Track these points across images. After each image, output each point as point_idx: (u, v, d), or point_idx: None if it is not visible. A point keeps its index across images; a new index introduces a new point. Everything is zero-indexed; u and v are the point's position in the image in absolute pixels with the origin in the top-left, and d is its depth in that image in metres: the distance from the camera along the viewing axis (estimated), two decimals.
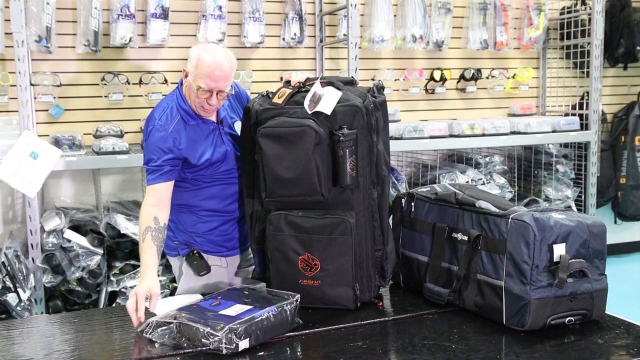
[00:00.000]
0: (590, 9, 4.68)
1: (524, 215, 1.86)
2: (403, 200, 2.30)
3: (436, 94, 4.78)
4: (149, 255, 2.12)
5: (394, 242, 2.25)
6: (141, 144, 2.35)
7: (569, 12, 4.96)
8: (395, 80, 4.62)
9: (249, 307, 1.91)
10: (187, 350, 1.77)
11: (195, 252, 2.36)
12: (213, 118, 2.34)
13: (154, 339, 1.85)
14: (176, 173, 2.27)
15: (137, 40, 3.84)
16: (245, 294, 2.05)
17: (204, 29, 3.93)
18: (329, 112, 2.05)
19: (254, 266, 2.32)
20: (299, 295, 1.96)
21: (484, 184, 4.42)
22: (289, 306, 1.91)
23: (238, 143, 2.34)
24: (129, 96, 3.94)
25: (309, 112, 2.06)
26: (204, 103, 2.21)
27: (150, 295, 2.01)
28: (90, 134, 3.76)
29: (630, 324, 1.92)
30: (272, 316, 1.85)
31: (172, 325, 1.84)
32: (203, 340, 1.77)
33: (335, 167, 2.05)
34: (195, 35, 3.99)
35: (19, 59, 3.32)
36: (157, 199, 2.21)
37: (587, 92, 4.80)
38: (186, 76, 2.25)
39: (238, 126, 2.39)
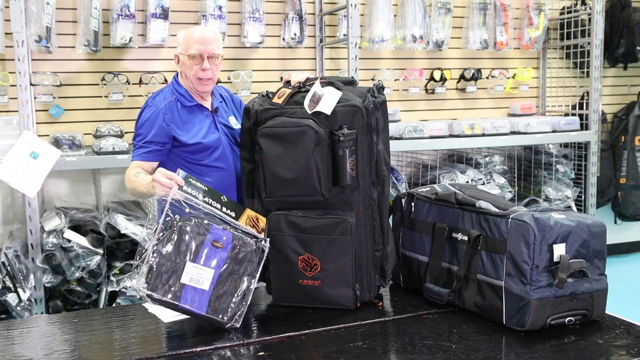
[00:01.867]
0: (590, 9, 4.68)
1: (524, 215, 1.86)
2: (403, 200, 2.30)
3: (436, 94, 4.78)
4: (146, 176, 2.21)
5: (394, 242, 2.25)
6: None
7: (569, 12, 4.97)
8: (395, 80, 4.62)
9: (212, 270, 1.89)
10: (187, 350, 1.78)
11: None
12: (207, 105, 2.44)
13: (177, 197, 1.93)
14: (161, 155, 2.38)
15: (137, 40, 3.84)
16: (227, 244, 1.95)
17: None
18: (329, 112, 2.05)
19: None
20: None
21: (484, 184, 4.42)
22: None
23: (232, 136, 2.43)
24: (129, 96, 3.94)
25: (309, 112, 2.06)
26: (199, 72, 2.36)
27: (166, 174, 2.00)
28: (90, 134, 3.77)
29: (630, 324, 1.92)
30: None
31: (173, 223, 1.88)
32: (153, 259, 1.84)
33: (335, 167, 2.05)
34: None
35: (19, 59, 3.32)
36: (141, 167, 2.35)
37: (587, 92, 4.80)
38: (178, 61, 2.44)
39: (232, 121, 2.49)
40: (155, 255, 1.86)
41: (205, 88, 2.41)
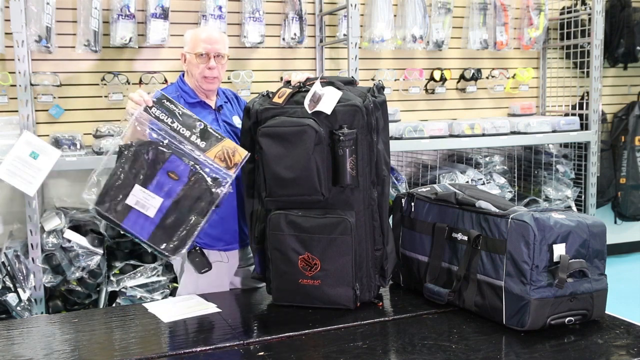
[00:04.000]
0: (590, 9, 4.68)
1: (524, 215, 1.86)
2: (403, 200, 2.30)
3: (436, 94, 4.78)
4: None
5: (394, 242, 2.25)
6: None
7: (569, 12, 4.97)
8: (395, 80, 4.62)
9: (160, 199, 1.86)
10: (187, 350, 1.78)
11: (197, 248, 2.36)
12: (211, 104, 2.46)
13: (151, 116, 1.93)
14: None
15: (137, 40, 3.84)
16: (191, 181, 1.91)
17: None
18: (329, 112, 2.05)
19: (253, 266, 2.32)
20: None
21: (484, 184, 4.42)
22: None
23: (235, 134, 2.42)
24: None
25: (309, 112, 2.06)
26: (205, 70, 2.39)
27: (140, 92, 2.04)
28: (90, 134, 3.76)
29: (630, 324, 1.92)
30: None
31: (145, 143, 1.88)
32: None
33: (335, 166, 2.05)
34: None
35: (19, 59, 3.32)
36: None
37: (587, 92, 4.80)
38: (185, 60, 2.46)
39: (236, 120, 2.48)
40: (106, 170, 1.84)
41: (211, 86, 2.45)
